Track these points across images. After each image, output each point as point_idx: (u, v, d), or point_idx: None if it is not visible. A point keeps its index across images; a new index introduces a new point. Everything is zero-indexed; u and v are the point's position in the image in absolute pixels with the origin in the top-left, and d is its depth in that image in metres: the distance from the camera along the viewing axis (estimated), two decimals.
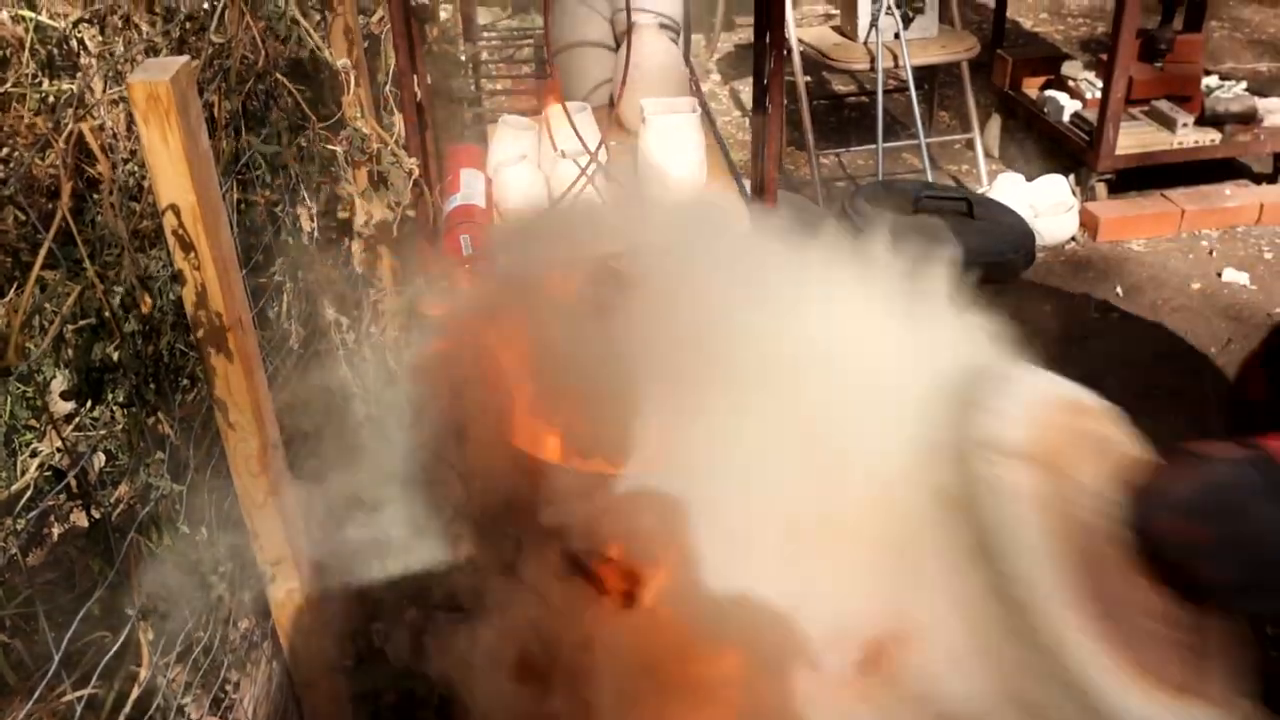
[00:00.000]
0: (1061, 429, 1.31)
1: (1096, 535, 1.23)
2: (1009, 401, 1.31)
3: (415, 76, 2.42)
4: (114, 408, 1.52)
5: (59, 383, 1.58)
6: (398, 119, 2.55)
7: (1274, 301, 3.93)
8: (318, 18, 2.30)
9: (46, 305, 1.41)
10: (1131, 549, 1.21)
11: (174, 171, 1.40)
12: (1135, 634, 1.20)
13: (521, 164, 2.72)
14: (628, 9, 2.87)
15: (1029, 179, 4.40)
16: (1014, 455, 1.28)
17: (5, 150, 1.83)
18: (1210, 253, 4.26)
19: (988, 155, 4.82)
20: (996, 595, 1.23)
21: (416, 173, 2.41)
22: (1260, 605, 1.22)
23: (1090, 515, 1.24)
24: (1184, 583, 1.19)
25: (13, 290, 1.50)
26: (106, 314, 1.37)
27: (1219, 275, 4.07)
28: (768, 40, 2.42)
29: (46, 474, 1.56)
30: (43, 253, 1.25)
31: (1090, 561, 1.22)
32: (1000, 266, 2.76)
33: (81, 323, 1.38)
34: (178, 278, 1.48)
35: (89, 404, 1.44)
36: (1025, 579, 1.21)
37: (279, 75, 2.05)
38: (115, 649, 1.41)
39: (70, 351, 1.40)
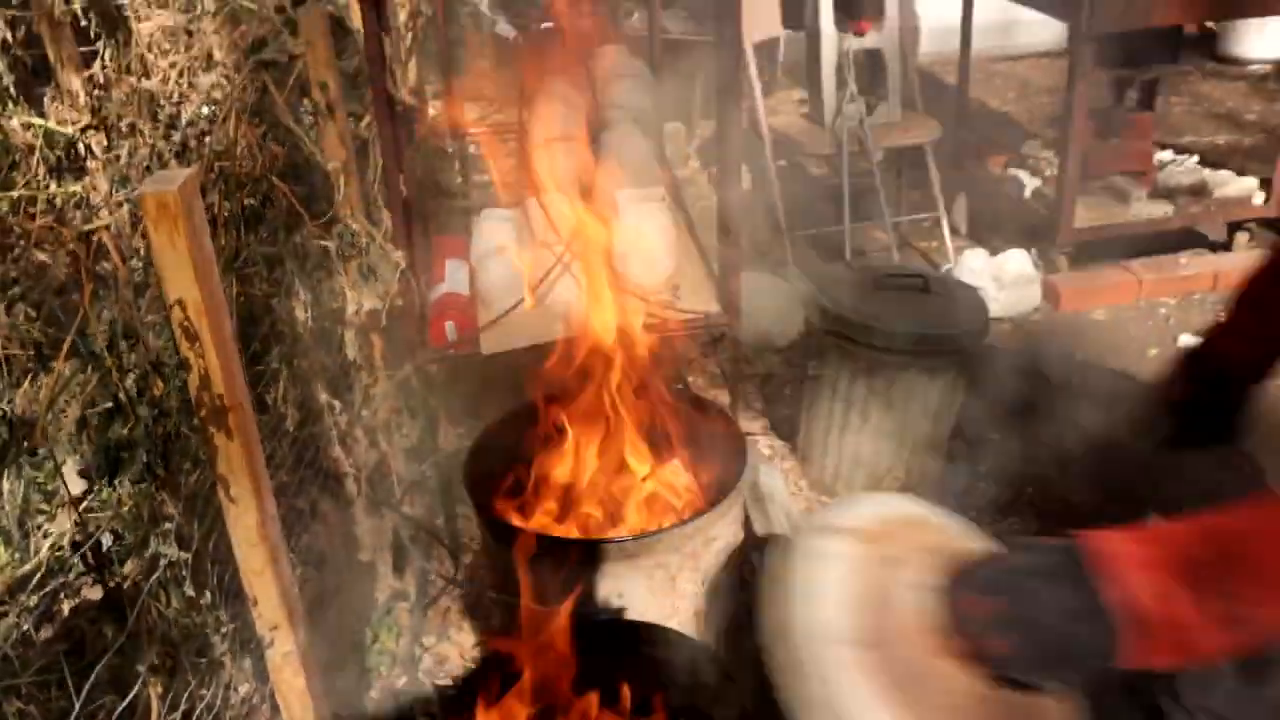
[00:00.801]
0: (899, 533, 1.48)
1: (905, 613, 1.35)
2: (858, 507, 1.51)
3: (401, 176, 2.60)
4: (120, 489, 1.65)
5: (70, 467, 1.71)
6: (386, 214, 2.72)
7: None
8: (310, 121, 2.48)
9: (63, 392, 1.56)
10: (940, 626, 1.33)
11: (180, 271, 1.56)
12: (928, 702, 1.30)
13: (501, 255, 2.90)
14: (601, 105, 3.07)
15: (994, 253, 4.57)
16: (843, 532, 1.45)
17: (18, 250, 1.98)
18: (1168, 320, 4.43)
19: (955, 232, 5.00)
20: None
21: (403, 264, 2.57)
22: (1038, 676, 1.30)
23: (903, 594, 1.37)
24: (978, 656, 1.30)
25: (28, 381, 1.65)
26: (122, 398, 1.52)
27: (1175, 340, 4.24)
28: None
29: (58, 553, 1.69)
30: (66, 346, 1.40)
31: (892, 634, 1.34)
32: (953, 338, 2.93)
33: (99, 406, 1.53)
34: (183, 365, 1.63)
35: (103, 482, 1.58)
36: (816, 630, 1.34)
37: (274, 178, 2.22)
38: (125, 706, 1.53)
39: (89, 433, 1.54)
